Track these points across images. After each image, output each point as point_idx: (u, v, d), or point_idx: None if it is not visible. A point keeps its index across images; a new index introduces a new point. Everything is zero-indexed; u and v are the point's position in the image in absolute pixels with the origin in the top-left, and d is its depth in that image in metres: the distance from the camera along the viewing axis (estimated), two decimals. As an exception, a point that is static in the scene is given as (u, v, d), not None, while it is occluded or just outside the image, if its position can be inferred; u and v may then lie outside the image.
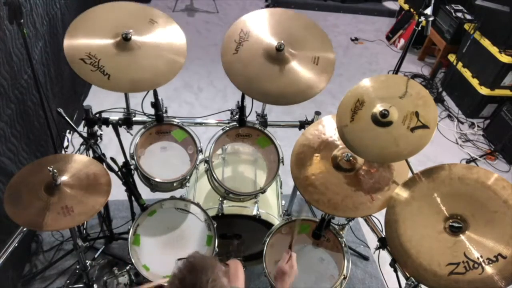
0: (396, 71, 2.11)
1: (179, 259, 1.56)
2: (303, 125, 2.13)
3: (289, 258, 1.50)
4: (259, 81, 1.70)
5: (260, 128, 1.99)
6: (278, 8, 1.85)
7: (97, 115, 1.94)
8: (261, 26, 1.77)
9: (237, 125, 1.97)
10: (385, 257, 1.68)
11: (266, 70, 1.71)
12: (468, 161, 3.55)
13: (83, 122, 1.93)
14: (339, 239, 1.77)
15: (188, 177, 1.89)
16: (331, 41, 1.79)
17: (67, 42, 1.59)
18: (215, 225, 1.79)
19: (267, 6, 5.29)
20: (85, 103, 2.84)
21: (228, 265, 1.67)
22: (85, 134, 1.92)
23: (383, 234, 1.52)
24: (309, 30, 1.81)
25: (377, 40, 5.16)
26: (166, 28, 1.74)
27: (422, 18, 1.91)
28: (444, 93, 4.25)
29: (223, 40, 1.74)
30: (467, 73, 3.98)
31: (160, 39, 1.71)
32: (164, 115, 1.92)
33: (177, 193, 2.03)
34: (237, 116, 1.97)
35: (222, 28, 4.78)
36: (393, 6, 5.75)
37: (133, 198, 1.91)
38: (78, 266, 2.15)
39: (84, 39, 1.62)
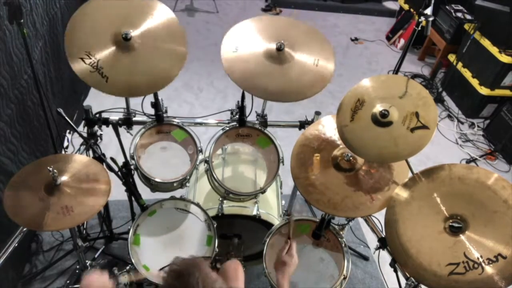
0: (396, 71, 2.11)
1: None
2: (303, 125, 2.13)
3: (289, 248, 1.50)
4: (259, 78, 1.71)
5: (260, 128, 1.99)
6: (278, 16, 1.86)
7: (97, 115, 1.94)
8: (260, 31, 1.79)
9: (237, 125, 1.97)
10: (385, 257, 1.68)
11: (267, 67, 1.72)
12: (468, 161, 3.55)
13: (83, 122, 1.93)
14: (339, 239, 1.77)
15: (188, 177, 1.89)
16: (331, 42, 1.79)
17: (68, 39, 1.57)
18: (215, 225, 1.79)
19: (267, 6, 5.29)
20: (85, 103, 2.84)
21: (224, 265, 1.67)
22: (85, 134, 1.92)
23: (383, 234, 1.52)
24: (309, 36, 1.82)
25: (377, 40, 5.16)
26: (166, 27, 1.73)
27: (422, 18, 1.91)
28: (444, 93, 4.25)
29: (223, 39, 1.74)
30: (467, 73, 3.98)
31: (158, 31, 1.70)
32: (164, 115, 1.92)
33: (177, 193, 2.03)
34: (237, 116, 1.97)
35: (222, 28, 4.77)
36: (393, 6, 5.75)
37: (133, 198, 1.91)
38: (78, 266, 2.15)
39: (84, 37, 1.60)
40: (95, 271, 1.32)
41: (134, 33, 1.64)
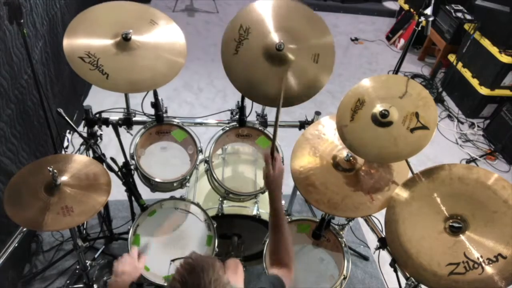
0: (396, 71, 2.11)
1: (173, 260, 1.56)
2: (303, 125, 2.13)
3: (273, 162, 1.37)
4: (261, 85, 1.68)
5: (260, 128, 1.99)
6: None
7: (97, 115, 1.94)
8: (260, 19, 1.70)
9: (237, 125, 1.97)
10: (385, 257, 1.68)
11: (267, 72, 1.68)
12: (468, 161, 3.55)
13: (83, 122, 1.93)
14: (339, 239, 1.77)
15: (188, 177, 1.89)
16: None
17: (67, 40, 1.58)
18: (215, 225, 1.79)
19: (267, 6, 5.29)
20: (85, 103, 2.84)
21: (225, 262, 1.67)
22: (85, 134, 1.92)
23: (383, 234, 1.52)
24: (310, 23, 1.74)
25: (377, 40, 5.16)
26: (166, 29, 1.74)
27: (422, 18, 1.91)
28: (444, 93, 4.25)
29: (222, 40, 1.72)
30: (467, 73, 3.98)
31: (160, 40, 1.71)
32: (164, 115, 1.92)
33: (177, 193, 2.03)
34: (237, 116, 1.97)
35: (222, 28, 4.74)
36: (393, 6, 5.75)
37: (133, 198, 1.91)
38: (78, 266, 2.15)
39: (83, 38, 1.61)
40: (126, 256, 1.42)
41: (134, 36, 1.65)
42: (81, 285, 2.13)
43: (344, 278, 1.68)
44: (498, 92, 3.78)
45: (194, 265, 1.04)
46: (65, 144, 2.38)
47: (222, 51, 1.70)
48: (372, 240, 2.70)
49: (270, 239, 1.39)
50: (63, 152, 2.30)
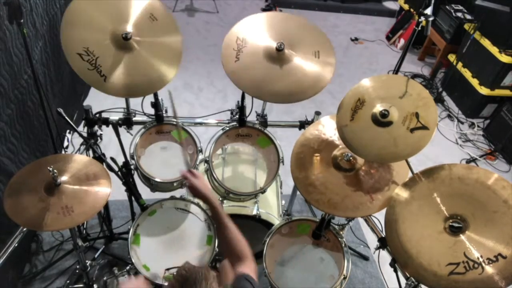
0: (396, 71, 2.11)
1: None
2: (303, 125, 2.14)
3: (191, 174, 1.42)
4: (267, 84, 1.72)
5: (260, 128, 1.99)
6: (269, 12, 1.85)
7: (97, 115, 1.94)
8: (256, 31, 1.79)
9: (237, 125, 1.97)
10: (385, 257, 1.68)
11: (271, 71, 1.73)
12: (468, 161, 3.55)
13: (83, 122, 1.93)
14: (339, 239, 1.77)
15: (188, 177, 1.89)
16: (330, 40, 1.80)
17: (65, 34, 1.56)
18: (215, 225, 1.79)
19: (267, 6, 5.29)
20: (85, 103, 2.83)
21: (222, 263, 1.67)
22: (85, 134, 1.92)
23: (383, 234, 1.52)
24: (304, 28, 1.83)
25: (377, 40, 5.16)
26: (166, 28, 1.74)
27: (422, 18, 1.91)
28: (444, 93, 4.25)
29: (221, 54, 1.75)
30: (467, 73, 3.98)
31: (159, 39, 1.71)
32: (164, 115, 1.92)
33: (177, 193, 2.03)
34: (237, 116, 1.97)
35: (222, 28, 4.78)
36: (393, 6, 5.75)
37: (133, 198, 1.91)
38: (78, 266, 2.15)
39: (82, 32, 1.59)
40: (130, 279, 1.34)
41: (130, 28, 1.64)
42: (81, 285, 2.13)
43: (344, 278, 1.68)
44: (498, 92, 3.77)
45: (187, 276, 1.04)
46: (65, 144, 2.38)
47: (223, 62, 1.74)
48: (372, 240, 2.70)
49: (221, 239, 1.38)
50: (63, 152, 2.31)
